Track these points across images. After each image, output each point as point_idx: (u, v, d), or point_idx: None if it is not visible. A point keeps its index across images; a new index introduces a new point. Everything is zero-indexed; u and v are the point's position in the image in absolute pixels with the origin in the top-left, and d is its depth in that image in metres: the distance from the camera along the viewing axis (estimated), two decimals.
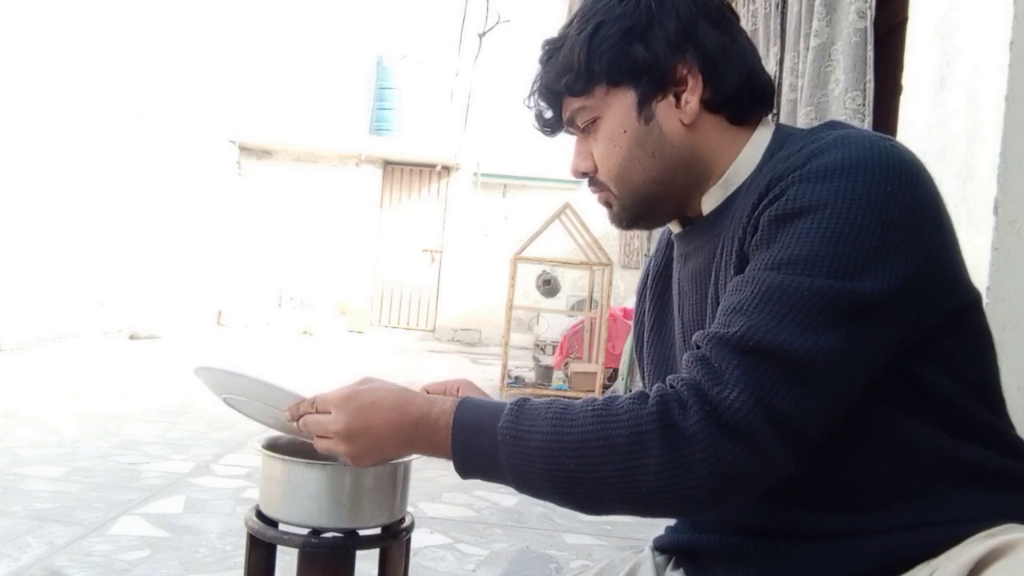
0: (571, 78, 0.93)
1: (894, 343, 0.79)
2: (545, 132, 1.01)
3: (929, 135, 1.80)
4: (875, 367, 0.79)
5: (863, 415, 0.81)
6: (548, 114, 0.99)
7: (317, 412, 0.90)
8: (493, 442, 0.83)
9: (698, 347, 0.81)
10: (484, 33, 8.85)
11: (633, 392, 0.82)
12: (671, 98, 0.93)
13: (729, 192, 0.94)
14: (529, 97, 1.00)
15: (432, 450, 0.88)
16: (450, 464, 0.87)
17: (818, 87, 2.50)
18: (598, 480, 0.79)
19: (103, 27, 7.07)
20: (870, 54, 2.31)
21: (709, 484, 0.76)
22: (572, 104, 0.96)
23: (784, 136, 0.94)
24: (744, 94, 0.94)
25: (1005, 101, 1.53)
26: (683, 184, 0.96)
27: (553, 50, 0.96)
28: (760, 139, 0.95)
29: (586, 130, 0.97)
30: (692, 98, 0.92)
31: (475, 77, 10.13)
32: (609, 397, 0.82)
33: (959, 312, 0.84)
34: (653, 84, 0.92)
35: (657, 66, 0.92)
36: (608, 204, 1.00)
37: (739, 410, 0.74)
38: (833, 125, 0.91)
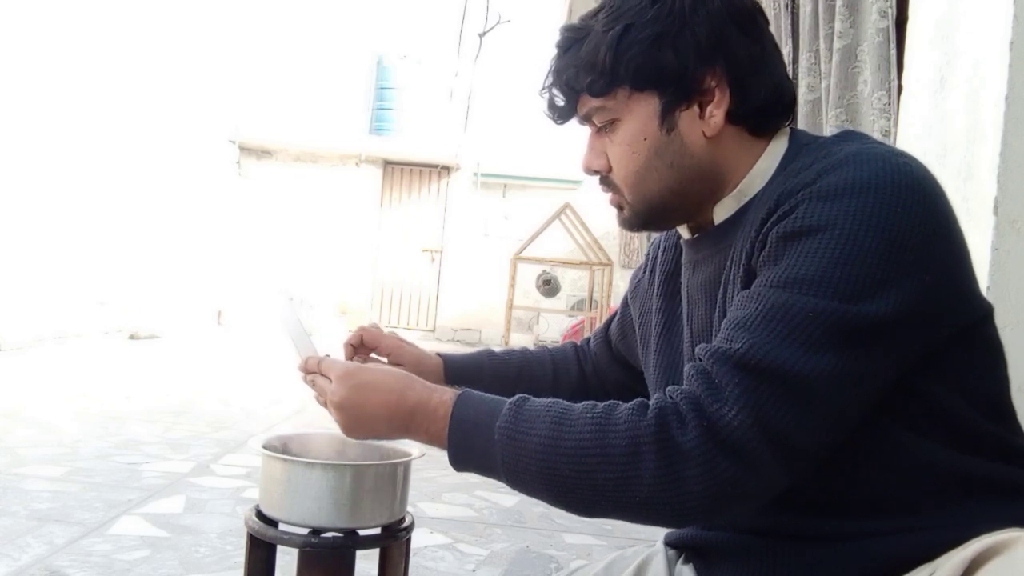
0: (594, 78, 0.90)
1: (902, 363, 0.78)
2: (556, 122, 0.99)
3: (929, 135, 1.80)
4: (881, 388, 0.78)
5: (868, 431, 0.80)
6: (561, 104, 0.96)
7: (321, 374, 0.93)
8: (490, 440, 0.83)
9: (699, 359, 0.80)
10: (484, 33, 8.85)
11: (633, 401, 0.81)
12: (695, 108, 0.91)
13: (742, 203, 0.93)
14: (544, 86, 0.96)
15: (427, 439, 0.88)
16: (451, 464, 0.88)
17: (847, 88, 2.49)
18: (592, 488, 0.79)
19: (103, 27, 7.06)
20: (893, 53, 2.31)
21: (703, 499, 0.76)
22: (590, 102, 0.93)
23: (799, 146, 0.92)
24: (769, 107, 0.92)
25: (1005, 101, 1.53)
26: (698, 194, 0.94)
27: (574, 40, 0.92)
28: (776, 149, 0.93)
29: (603, 128, 0.95)
30: (718, 111, 0.90)
31: (475, 77, 10.14)
32: (610, 404, 0.82)
33: (970, 327, 0.83)
34: (679, 93, 0.90)
35: (685, 75, 0.89)
36: (619, 207, 0.98)
37: (737, 428, 0.74)
38: (848, 136, 0.89)
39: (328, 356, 0.96)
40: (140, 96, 7.80)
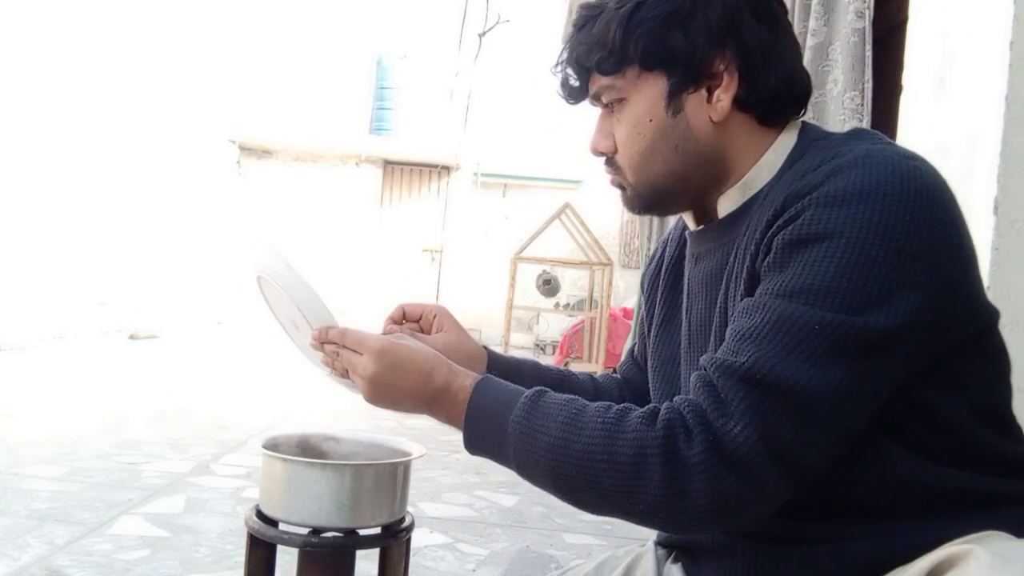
0: (603, 56, 0.90)
1: (907, 373, 0.77)
2: (568, 101, 0.98)
3: (929, 135, 1.80)
4: (884, 398, 0.77)
5: (860, 444, 0.80)
6: (574, 83, 0.95)
7: (346, 347, 0.92)
8: (503, 432, 0.84)
9: (703, 368, 0.80)
10: (484, 33, 8.85)
11: (646, 408, 0.81)
12: (703, 92, 0.90)
13: (747, 196, 0.92)
14: (557, 64, 0.96)
15: (446, 420, 0.90)
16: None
17: (816, 87, 2.50)
18: (597, 491, 0.80)
19: (103, 27, 7.06)
20: (868, 54, 2.31)
21: (705, 512, 0.76)
22: (600, 81, 0.92)
23: (808, 142, 0.91)
24: (779, 96, 0.91)
25: (1005, 101, 1.53)
26: (702, 181, 0.93)
27: (589, 18, 0.92)
28: (784, 143, 0.92)
29: (611, 107, 0.94)
30: (725, 96, 0.89)
31: (475, 77, 10.14)
32: (623, 408, 0.81)
33: (977, 335, 0.82)
34: (687, 76, 0.89)
35: (694, 58, 0.88)
36: (621, 187, 0.97)
37: (743, 444, 0.74)
38: (858, 135, 0.88)
39: (347, 327, 0.95)
40: (140, 96, 7.80)
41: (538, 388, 0.86)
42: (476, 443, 0.87)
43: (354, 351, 0.92)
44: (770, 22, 0.90)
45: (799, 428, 0.74)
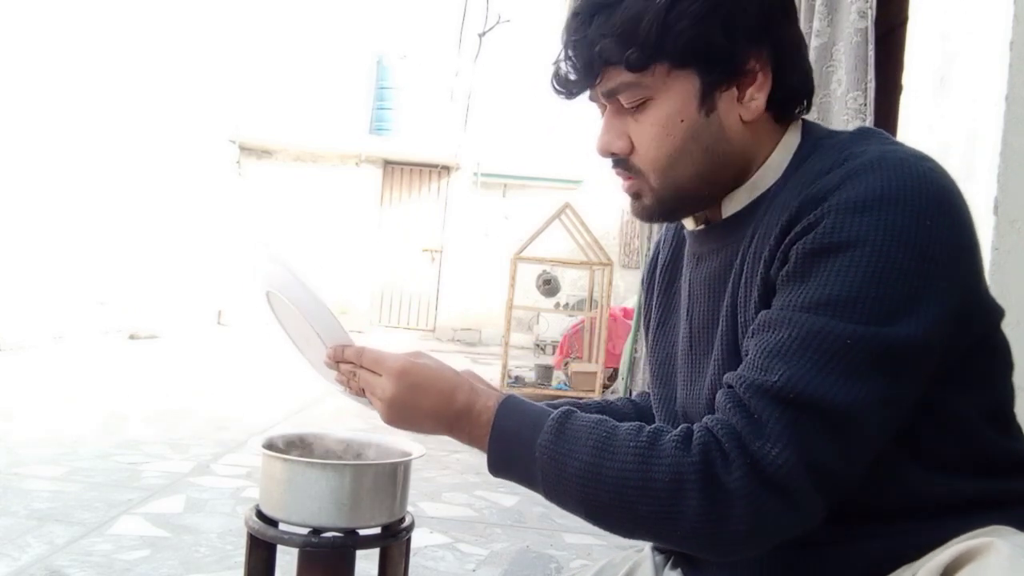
0: (633, 50, 0.82)
1: (928, 378, 0.77)
2: (563, 95, 0.91)
3: (929, 135, 1.80)
4: (912, 405, 0.77)
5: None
6: (574, 76, 0.88)
7: (364, 367, 0.91)
8: (530, 456, 0.82)
9: (730, 386, 0.78)
10: (484, 33, 8.84)
11: (679, 430, 0.79)
12: (734, 90, 0.86)
13: (754, 196, 0.90)
14: (563, 57, 0.88)
15: (468, 441, 0.88)
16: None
17: (820, 87, 2.50)
18: (632, 518, 0.78)
19: (103, 26, 7.06)
20: (871, 54, 2.31)
21: (746, 537, 0.75)
22: (620, 77, 0.85)
23: (813, 141, 0.89)
24: (800, 94, 0.90)
25: (1005, 101, 1.53)
26: (725, 182, 0.90)
27: (602, 7, 0.84)
28: (790, 142, 0.90)
29: (634, 107, 0.87)
30: (759, 95, 0.86)
31: (475, 77, 10.13)
32: (655, 430, 0.79)
33: (985, 334, 0.82)
34: (723, 74, 0.85)
35: (733, 56, 0.84)
36: (637, 195, 0.91)
37: (782, 467, 0.72)
38: (865, 135, 0.86)
39: (364, 346, 0.93)
40: (140, 96, 7.80)
41: (565, 408, 0.85)
42: (501, 467, 0.85)
43: (372, 371, 0.90)
44: (793, 17, 0.89)
45: (838, 446, 0.73)
